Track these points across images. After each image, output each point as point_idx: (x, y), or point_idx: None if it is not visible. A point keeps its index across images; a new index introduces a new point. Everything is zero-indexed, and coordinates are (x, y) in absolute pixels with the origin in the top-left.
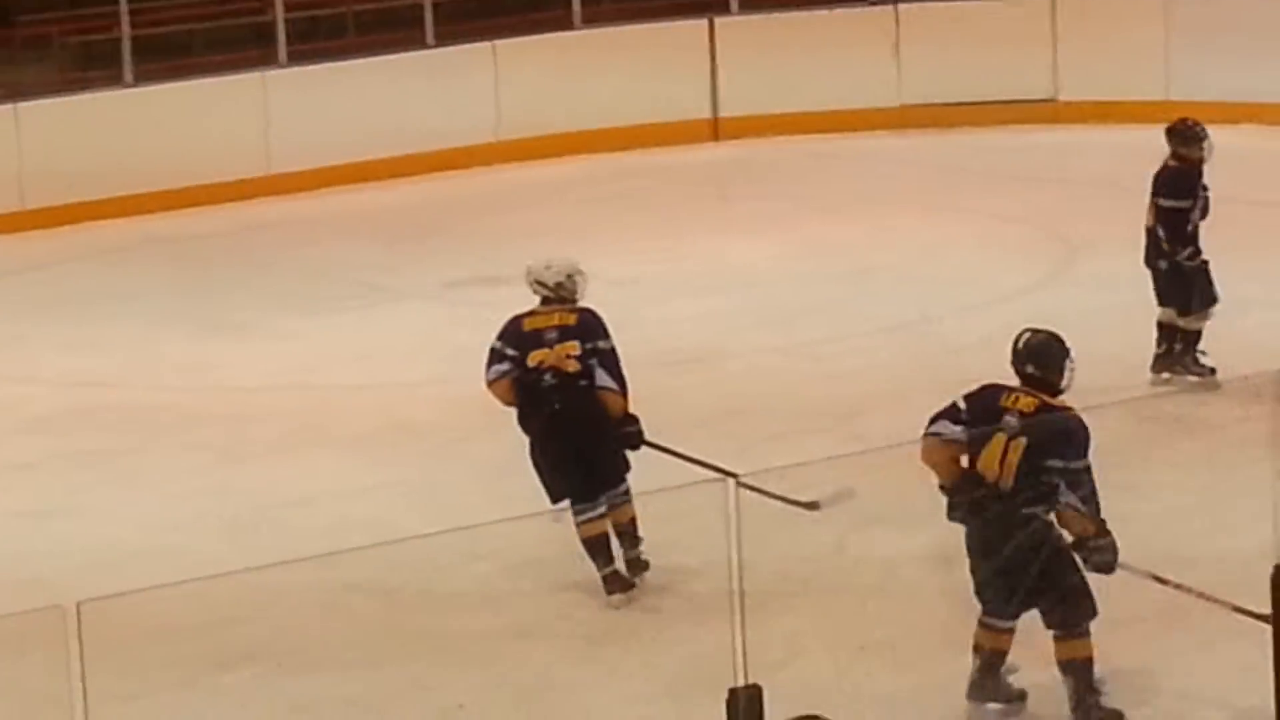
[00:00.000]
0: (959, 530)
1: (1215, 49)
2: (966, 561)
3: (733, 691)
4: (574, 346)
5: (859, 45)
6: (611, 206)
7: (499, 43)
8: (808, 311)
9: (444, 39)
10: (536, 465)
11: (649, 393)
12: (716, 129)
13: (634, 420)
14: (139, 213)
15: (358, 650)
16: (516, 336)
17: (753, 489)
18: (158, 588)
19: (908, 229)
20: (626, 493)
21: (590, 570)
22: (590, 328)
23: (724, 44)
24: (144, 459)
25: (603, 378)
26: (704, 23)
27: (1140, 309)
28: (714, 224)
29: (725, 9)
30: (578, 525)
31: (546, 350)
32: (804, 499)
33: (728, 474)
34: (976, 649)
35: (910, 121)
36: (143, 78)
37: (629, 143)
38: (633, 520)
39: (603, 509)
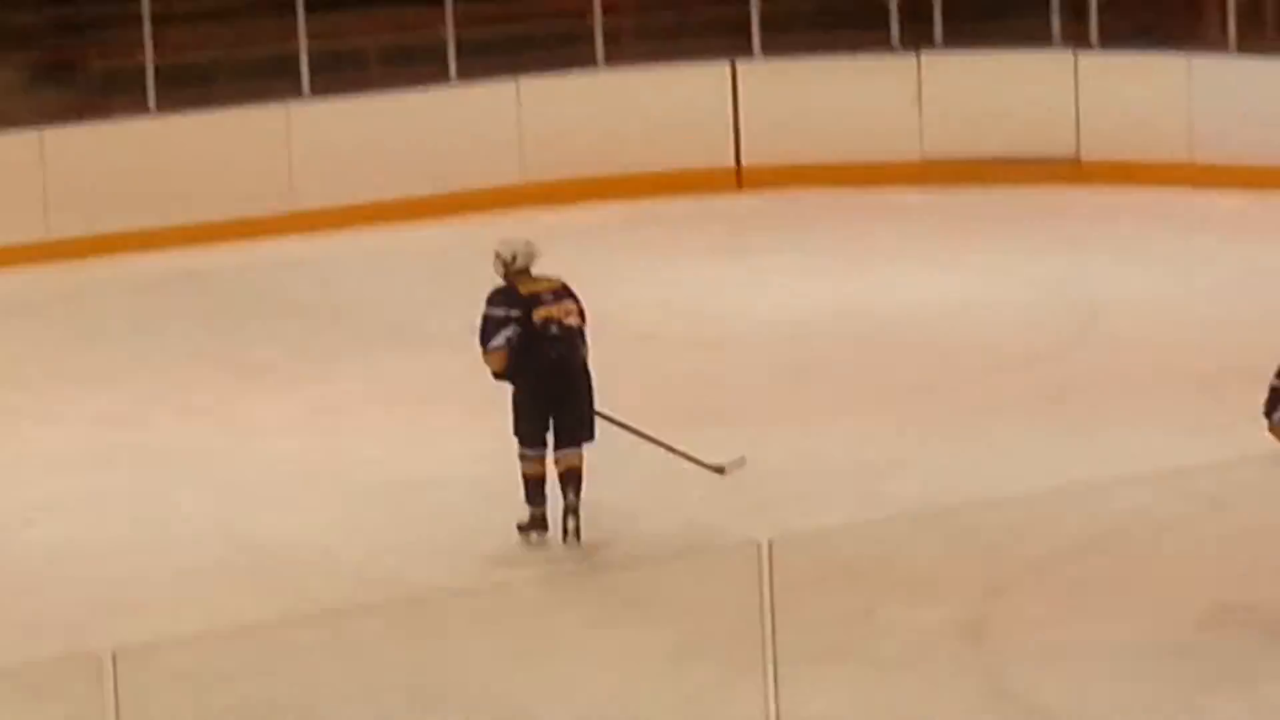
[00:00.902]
0: (989, 602)
1: (1237, 111)
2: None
3: None
4: (572, 306)
5: (882, 94)
6: (634, 256)
7: (523, 80)
8: (833, 367)
9: (467, 75)
10: (522, 406)
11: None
12: (740, 177)
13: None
14: (162, 245)
15: None
16: (515, 299)
17: (667, 447)
18: (185, 639)
19: (925, 284)
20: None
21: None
22: (573, 293)
23: (746, 88)
24: (169, 503)
25: (584, 336)
26: (726, 65)
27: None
28: (736, 275)
29: (748, 52)
30: (526, 461)
31: (549, 308)
32: (711, 463)
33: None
34: None
35: (931, 176)
36: (166, 106)
37: (652, 189)
38: (579, 470)
39: (545, 453)
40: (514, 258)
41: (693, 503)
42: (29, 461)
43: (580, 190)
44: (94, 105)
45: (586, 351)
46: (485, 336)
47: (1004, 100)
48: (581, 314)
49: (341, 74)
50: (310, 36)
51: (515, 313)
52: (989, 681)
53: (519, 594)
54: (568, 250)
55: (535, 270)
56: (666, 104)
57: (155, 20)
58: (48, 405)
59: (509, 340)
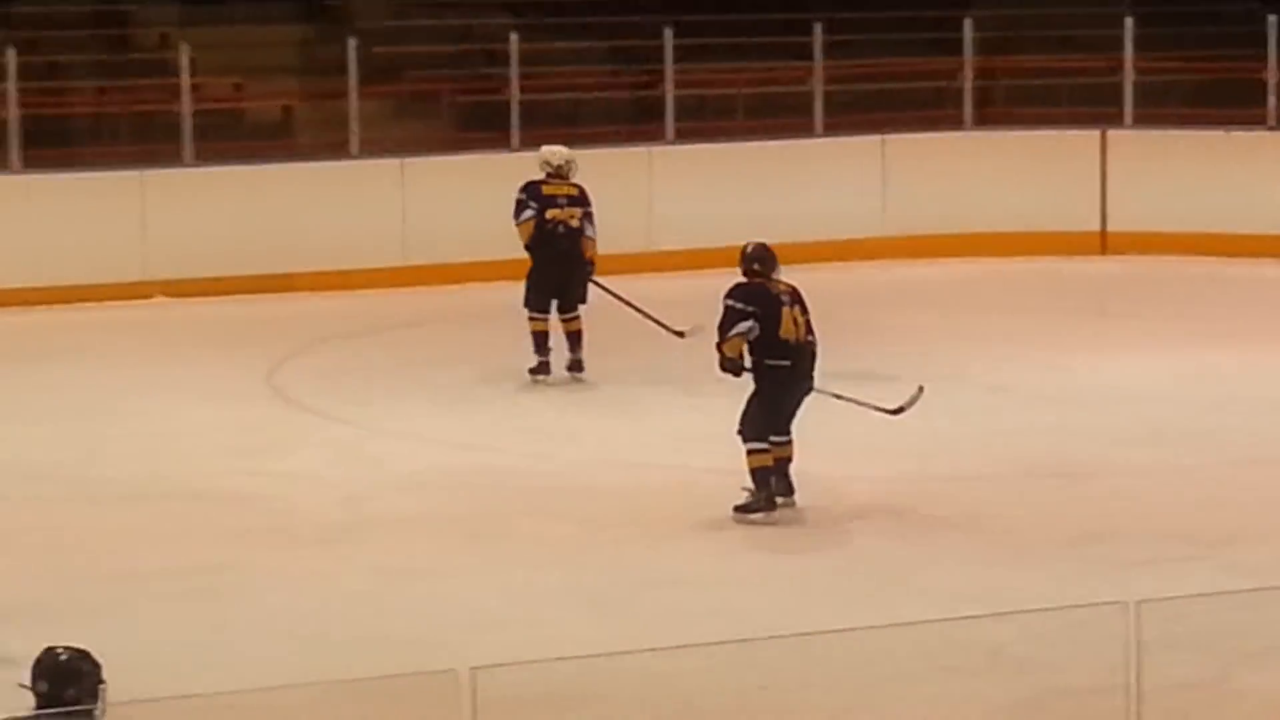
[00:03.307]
0: None
1: None
2: None
3: None
4: (578, 211)
5: (1253, 168)
6: (992, 312)
7: (888, 137)
8: (1182, 435)
9: (832, 129)
10: (533, 283)
11: (1012, 504)
12: (1104, 242)
13: (593, 263)
14: (513, 278)
15: None
16: (538, 196)
17: (636, 309)
18: (539, 661)
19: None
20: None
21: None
22: (586, 199)
23: (1115, 157)
24: (512, 526)
25: (588, 229)
26: (1097, 134)
27: None
28: (1093, 338)
29: (1119, 122)
30: (534, 321)
31: (559, 210)
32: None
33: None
34: None
35: None
36: (527, 143)
37: (1015, 249)
38: (580, 332)
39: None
40: (548, 164)
41: (1063, 559)
42: (377, 479)
43: (941, 246)
44: (456, 139)
45: (589, 241)
46: (517, 213)
47: None
48: (585, 215)
49: (706, 121)
50: (678, 85)
51: (534, 204)
52: None
53: (871, 636)
54: (927, 301)
55: (574, 176)
56: (1034, 166)
57: (522, 60)
58: (395, 425)
59: (531, 218)
